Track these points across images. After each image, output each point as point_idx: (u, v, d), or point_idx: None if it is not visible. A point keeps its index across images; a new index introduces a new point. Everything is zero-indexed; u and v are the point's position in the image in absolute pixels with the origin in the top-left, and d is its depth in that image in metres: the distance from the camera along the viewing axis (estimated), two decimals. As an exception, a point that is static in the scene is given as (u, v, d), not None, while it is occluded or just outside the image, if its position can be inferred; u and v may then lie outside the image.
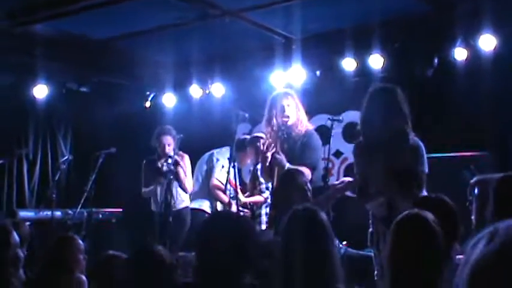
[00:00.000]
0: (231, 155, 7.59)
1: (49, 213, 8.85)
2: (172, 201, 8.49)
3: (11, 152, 10.42)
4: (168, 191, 8.45)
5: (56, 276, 4.12)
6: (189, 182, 8.90)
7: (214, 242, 3.36)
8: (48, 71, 9.85)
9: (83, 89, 10.53)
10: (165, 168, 8.61)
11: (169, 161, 8.53)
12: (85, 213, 8.87)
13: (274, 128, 7.00)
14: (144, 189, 9.01)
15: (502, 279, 1.12)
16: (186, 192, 8.96)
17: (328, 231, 3.65)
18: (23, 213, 9.48)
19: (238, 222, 3.53)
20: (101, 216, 9.85)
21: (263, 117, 7.23)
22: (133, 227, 9.57)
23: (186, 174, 8.83)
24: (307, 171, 6.44)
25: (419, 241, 3.08)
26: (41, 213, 9.41)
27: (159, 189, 8.79)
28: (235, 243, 3.32)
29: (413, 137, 5.73)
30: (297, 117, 6.99)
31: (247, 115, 7.79)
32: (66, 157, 10.47)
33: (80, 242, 5.04)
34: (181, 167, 8.73)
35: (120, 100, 11.06)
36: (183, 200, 8.97)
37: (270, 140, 6.95)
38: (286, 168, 6.54)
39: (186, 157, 8.92)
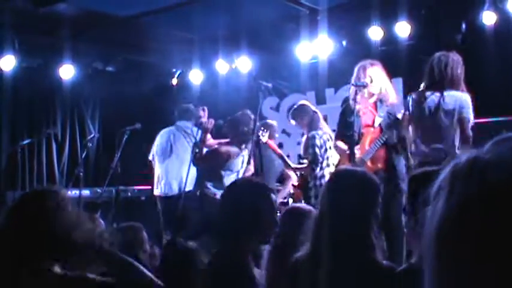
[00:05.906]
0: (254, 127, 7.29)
1: (77, 192, 8.71)
2: None
3: (39, 132, 10.48)
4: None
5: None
6: None
7: (230, 206, 3.39)
8: (73, 51, 9.84)
9: (109, 68, 10.55)
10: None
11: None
12: (113, 192, 8.85)
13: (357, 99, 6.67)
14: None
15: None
16: None
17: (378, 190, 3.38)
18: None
19: (255, 188, 3.51)
20: (129, 194, 9.84)
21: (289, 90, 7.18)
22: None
23: None
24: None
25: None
26: (69, 192, 9.21)
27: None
28: (251, 208, 3.31)
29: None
30: (379, 87, 6.75)
31: (270, 85, 7.65)
32: (92, 135, 10.50)
33: (101, 221, 4.99)
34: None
35: (147, 78, 11.04)
36: None
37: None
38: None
39: None
